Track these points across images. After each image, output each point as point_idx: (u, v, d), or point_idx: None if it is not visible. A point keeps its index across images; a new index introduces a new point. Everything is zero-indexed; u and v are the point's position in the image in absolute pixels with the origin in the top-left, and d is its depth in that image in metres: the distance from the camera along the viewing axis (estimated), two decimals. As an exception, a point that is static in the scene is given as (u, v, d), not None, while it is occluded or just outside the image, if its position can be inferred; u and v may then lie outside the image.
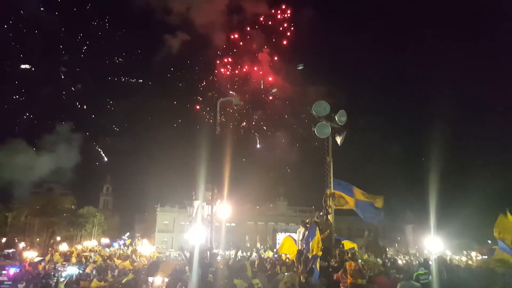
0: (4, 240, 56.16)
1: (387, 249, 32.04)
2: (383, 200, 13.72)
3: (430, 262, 10.29)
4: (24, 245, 52.10)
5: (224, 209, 17.04)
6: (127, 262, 27.24)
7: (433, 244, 16.14)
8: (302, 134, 74.63)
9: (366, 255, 18.30)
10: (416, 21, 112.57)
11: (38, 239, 60.44)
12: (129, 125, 77.83)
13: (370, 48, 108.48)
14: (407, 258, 26.80)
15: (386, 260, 17.45)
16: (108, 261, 29.45)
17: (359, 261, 11.15)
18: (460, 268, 9.56)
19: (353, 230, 66.87)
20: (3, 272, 22.12)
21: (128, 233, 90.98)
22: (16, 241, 56.49)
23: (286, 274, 8.73)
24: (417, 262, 16.76)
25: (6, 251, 46.45)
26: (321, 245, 10.20)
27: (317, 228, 11.41)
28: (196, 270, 10.22)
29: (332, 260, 10.70)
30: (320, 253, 9.84)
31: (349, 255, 10.43)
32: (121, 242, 62.73)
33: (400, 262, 18.88)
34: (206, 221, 15.56)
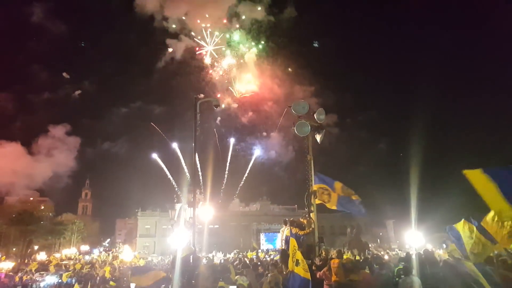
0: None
1: (370, 244, 32.46)
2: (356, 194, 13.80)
3: (413, 257, 10.44)
4: (0, 255, 50.30)
5: (207, 211, 16.87)
6: (108, 268, 26.66)
7: (414, 239, 16.42)
8: (285, 133, 74.93)
9: (349, 253, 18.47)
10: (400, 17, 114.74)
11: (14, 249, 58.41)
12: (109, 129, 76.32)
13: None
14: (390, 253, 27.24)
15: (369, 256, 17.68)
16: (87, 269, 28.74)
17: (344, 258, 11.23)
18: (443, 263, 9.71)
19: (335, 227, 67.56)
20: (-22, 284, 21.27)
21: (108, 239, 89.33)
22: (-9, 251, 54.52)
23: (269, 274, 8.67)
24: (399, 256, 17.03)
25: (-20, 262, 44.74)
26: (296, 257, 9.86)
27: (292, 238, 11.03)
28: (179, 274, 10.06)
29: (316, 258, 10.72)
30: (295, 268, 9.61)
31: (335, 253, 10.46)
32: (101, 249, 61.45)
33: (382, 257, 19.15)
34: (189, 224, 15.34)
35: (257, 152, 74.17)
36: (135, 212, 78.99)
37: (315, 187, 13.40)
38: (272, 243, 62.88)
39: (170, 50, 71.16)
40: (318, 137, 13.99)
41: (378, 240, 62.82)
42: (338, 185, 13.79)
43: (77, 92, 74.84)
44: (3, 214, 58.84)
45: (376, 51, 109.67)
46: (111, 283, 17.19)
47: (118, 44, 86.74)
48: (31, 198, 72.06)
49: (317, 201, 13.27)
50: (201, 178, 66.77)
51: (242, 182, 74.34)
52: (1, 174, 66.95)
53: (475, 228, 9.72)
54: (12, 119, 71.33)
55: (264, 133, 77.14)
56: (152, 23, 71.61)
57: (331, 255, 10.59)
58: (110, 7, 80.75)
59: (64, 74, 75.21)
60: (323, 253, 10.84)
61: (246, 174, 70.98)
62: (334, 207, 13.62)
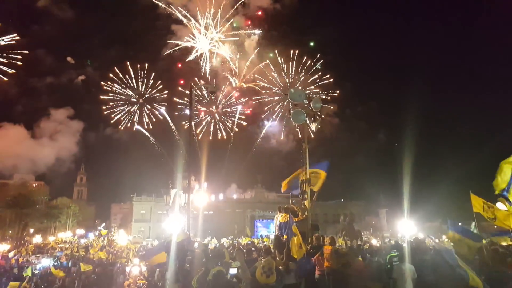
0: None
1: (362, 233, 32.85)
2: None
3: (404, 245, 10.64)
4: (-5, 238, 50.45)
5: (201, 197, 16.97)
6: (103, 252, 26.89)
7: (406, 227, 16.66)
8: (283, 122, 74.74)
9: (342, 240, 18.71)
10: (401, 8, 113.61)
11: (10, 232, 58.58)
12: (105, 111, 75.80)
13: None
14: (382, 241, 27.66)
15: (361, 244, 17.94)
16: (82, 252, 28.98)
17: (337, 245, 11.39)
18: (433, 250, 9.91)
19: (329, 215, 68.20)
20: (-26, 266, 21.43)
21: (104, 224, 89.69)
22: (-14, 234, 54.66)
23: (263, 259, 8.79)
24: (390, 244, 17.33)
25: (-24, 244, 44.88)
26: (303, 247, 10.19)
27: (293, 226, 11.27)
28: (174, 258, 10.18)
29: (308, 245, 10.86)
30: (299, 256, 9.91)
31: (328, 240, 10.60)
32: (97, 233, 61.74)
33: (374, 245, 19.45)
34: (183, 210, 15.44)
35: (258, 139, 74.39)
36: (130, 197, 79.29)
37: (310, 171, 13.51)
38: (268, 229, 63.56)
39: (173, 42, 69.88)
40: (313, 125, 14.01)
41: (371, 228, 63.59)
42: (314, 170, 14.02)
43: (81, 78, 74.44)
44: (-1, 196, 58.95)
45: (376, 42, 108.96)
46: (89, 266, 17.27)
47: (123, 30, 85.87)
48: (27, 182, 72.04)
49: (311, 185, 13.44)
50: (197, 164, 66.99)
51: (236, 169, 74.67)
52: (3, 157, 67.70)
53: (456, 234, 10.49)
54: (15, 102, 71.03)
55: (265, 122, 77.05)
56: (156, 9, 70.55)
57: (324, 242, 10.73)
58: None
59: (69, 59, 74.62)
60: (314, 240, 10.99)
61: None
62: (316, 190, 13.82)
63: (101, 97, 71.24)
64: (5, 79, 63.80)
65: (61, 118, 74.71)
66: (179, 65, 70.97)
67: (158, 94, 71.53)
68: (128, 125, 72.28)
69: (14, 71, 63.84)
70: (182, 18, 69.61)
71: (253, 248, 14.33)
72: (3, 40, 62.84)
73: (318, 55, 75.60)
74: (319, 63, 74.98)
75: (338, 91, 75.82)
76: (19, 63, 64.05)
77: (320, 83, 75.62)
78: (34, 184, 76.04)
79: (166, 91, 70.10)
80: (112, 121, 72.29)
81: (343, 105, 77.58)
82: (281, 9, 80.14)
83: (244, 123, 74.69)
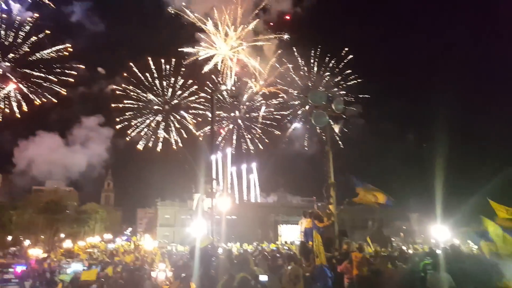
0: (9, 238, 56.34)
1: (392, 238, 31.76)
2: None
3: (437, 251, 10.06)
4: (29, 243, 52.27)
5: (224, 201, 16.84)
6: (131, 256, 27.22)
7: (439, 233, 15.85)
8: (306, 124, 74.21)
9: (370, 246, 18.06)
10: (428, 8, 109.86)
11: (42, 237, 60.60)
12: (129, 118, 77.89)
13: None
14: (414, 247, 26.62)
15: (391, 250, 17.27)
16: (110, 257, 29.44)
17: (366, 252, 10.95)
18: (471, 258, 9.31)
19: (356, 220, 66.61)
20: (10, 270, 22.16)
21: (130, 228, 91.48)
22: (21, 238, 56.70)
23: (289, 267, 8.50)
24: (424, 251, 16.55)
25: (12, 249, 46.61)
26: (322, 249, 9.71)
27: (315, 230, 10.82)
28: (199, 264, 10.06)
29: (336, 251, 10.50)
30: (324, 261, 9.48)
31: (357, 246, 10.21)
32: (124, 237, 62.93)
33: (406, 251, 18.68)
34: (207, 214, 15.35)
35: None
36: (155, 202, 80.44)
37: (360, 191, 12.90)
38: (290, 235, 62.94)
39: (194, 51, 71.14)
40: (336, 128, 13.69)
41: (401, 234, 61.66)
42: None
43: (110, 87, 77.27)
44: (32, 203, 61.05)
45: (404, 38, 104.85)
46: (109, 268, 17.40)
47: (149, 40, 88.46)
48: (58, 188, 74.67)
49: (362, 202, 12.82)
50: (220, 169, 67.42)
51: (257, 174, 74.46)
52: (39, 163, 71.15)
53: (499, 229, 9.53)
54: (50, 112, 74.86)
55: (288, 124, 76.74)
56: (180, 19, 72.36)
57: (353, 249, 10.33)
58: (142, 4, 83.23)
59: (100, 69, 77.62)
60: (345, 246, 10.58)
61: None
62: (382, 202, 13.09)
63: (114, 105, 73.25)
64: (64, 91, 67.14)
65: (92, 126, 77.39)
66: (202, 71, 72.13)
67: (185, 100, 72.89)
68: (151, 139, 73.74)
69: (64, 91, 67.42)
70: (202, 25, 70.74)
71: (278, 255, 14.02)
72: (55, 51, 66.14)
73: (343, 55, 74.73)
74: (342, 63, 74.06)
75: (366, 95, 74.35)
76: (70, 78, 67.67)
77: (344, 84, 74.71)
78: (65, 190, 78.53)
79: (195, 96, 71.48)
80: (131, 133, 74.04)
81: (370, 106, 75.74)
82: (302, 12, 79.68)
83: (267, 128, 74.79)
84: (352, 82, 74.89)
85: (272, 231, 66.58)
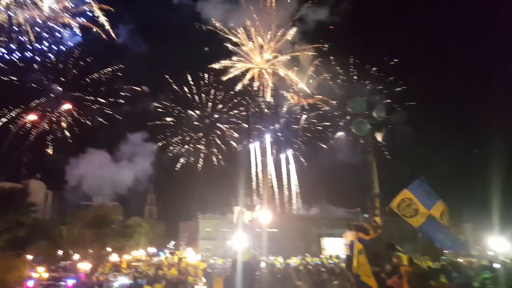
0: (60, 252, 59.08)
1: (445, 251, 29.96)
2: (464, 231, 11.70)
3: (497, 265, 9.29)
4: (78, 257, 54.53)
5: (265, 214, 16.65)
6: (174, 270, 27.61)
7: (497, 245, 14.67)
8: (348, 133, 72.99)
9: (420, 258, 17.11)
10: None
11: (90, 251, 63.02)
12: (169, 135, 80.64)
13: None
14: (469, 260, 24.91)
15: (444, 263, 16.24)
16: (157, 270, 30.02)
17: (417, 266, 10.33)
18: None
19: (405, 232, 63.56)
20: (61, 283, 23.21)
21: (173, 242, 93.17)
22: (71, 253, 59.26)
23: (335, 282, 8.17)
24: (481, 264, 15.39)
25: (63, 263, 48.89)
26: (359, 260, 9.22)
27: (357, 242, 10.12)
28: (242, 278, 9.95)
29: (386, 265, 9.98)
30: (361, 273, 9.03)
31: (407, 259, 9.67)
32: (167, 250, 64.00)
33: (460, 264, 17.48)
34: (248, 227, 15.26)
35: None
36: (196, 215, 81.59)
37: (404, 194, 11.81)
38: (334, 248, 61.30)
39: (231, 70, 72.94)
40: (379, 136, 13.18)
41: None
42: (440, 206, 11.20)
43: (154, 104, 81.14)
44: (80, 218, 63.91)
45: (454, 39, 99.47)
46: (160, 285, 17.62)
47: (188, 57, 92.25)
48: (104, 203, 78.03)
49: (398, 212, 11.63)
50: (259, 180, 67.50)
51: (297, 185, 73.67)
52: (90, 180, 75.56)
53: None
54: (98, 130, 80.00)
55: (328, 134, 75.94)
56: (218, 36, 74.81)
57: (403, 262, 9.78)
58: (182, 22, 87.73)
59: (144, 87, 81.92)
60: (394, 260, 10.05)
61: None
62: (416, 225, 11.26)
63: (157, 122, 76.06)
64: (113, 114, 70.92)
65: (137, 141, 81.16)
66: (238, 86, 73.41)
67: (224, 115, 74.67)
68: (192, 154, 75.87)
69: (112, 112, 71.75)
70: (237, 40, 72.17)
71: (323, 269, 13.61)
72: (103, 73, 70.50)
73: (384, 60, 73.06)
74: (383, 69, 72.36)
75: (411, 102, 71.89)
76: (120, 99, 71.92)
77: (387, 91, 72.87)
78: (110, 205, 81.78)
79: (234, 111, 73.11)
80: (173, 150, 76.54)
81: (416, 112, 72.91)
82: (340, 19, 78.94)
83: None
84: (396, 89, 73.03)
85: (315, 244, 65.22)
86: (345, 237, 12.99)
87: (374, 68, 72.89)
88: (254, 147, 72.28)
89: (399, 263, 9.82)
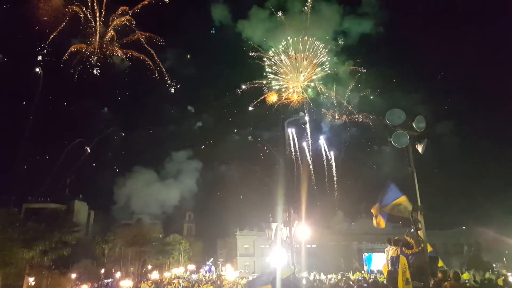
0: (103, 270, 60.98)
1: (493, 264, 28.11)
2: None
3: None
4: (120, 275, 56.03)
5: (303, 230, 16.46)
6: (209, 286, 27.77)
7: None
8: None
9: (468, 274, 16.19)
10: None
11: (132, 268, 64.50)
12: (222, 154, 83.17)
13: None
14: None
15: (493, 278, 15.24)
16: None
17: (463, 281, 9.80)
18: None
19: (449, 245, 60.40)
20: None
21: (211, 259, 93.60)
22: (113, 271, 60.99)
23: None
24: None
25: (106, 280, 50.42)
26: (406, 276, 8.96)
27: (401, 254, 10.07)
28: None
29: (430, 280, 9.55)
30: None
31: (451, 274, 9.21)
32: (206, 268, 64.27)
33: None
34: (286, 243, 15.13)
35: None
36: (233, 232, 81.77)
37: (402, 200, 11.99)
38: (368, 263, 59.42)
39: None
40: (419, 148, 12.79)
41: (504, 259, 54.41)
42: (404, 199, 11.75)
43: (198, 124, 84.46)
44: (121, 237, 65.91)
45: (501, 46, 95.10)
46: None
47: (231, 80, 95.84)
48: (144, 221, 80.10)
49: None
50: (297, 197, 66.84)
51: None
52: (138, 198, 78.80)
53: None
54: (144, 150, 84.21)
55: (371, 148, 74.98)
56: (255, 56, 77.03)
57: (448, 277, 9.31)
58: (223, 45, 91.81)
59: (189, 108, 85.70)
60: (440, 274, 9.60)
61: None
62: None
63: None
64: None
65: (182, 159, 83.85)
66: (275, 102, 74.57)
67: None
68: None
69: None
70: (277, 60, 73.62)
71: (365, 284, 13.19)
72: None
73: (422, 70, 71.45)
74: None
75: (457, 111, 69.47)
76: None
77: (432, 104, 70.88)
78: (150, 223, 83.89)
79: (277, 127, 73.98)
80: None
81: (461, 122, 70.19)
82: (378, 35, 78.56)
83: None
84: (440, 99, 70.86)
85: (356, 259, 63.24)
86: (387, 252, 12.59)
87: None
88: (294, 160, 72.36)
89: (444, 278, 9.36)
